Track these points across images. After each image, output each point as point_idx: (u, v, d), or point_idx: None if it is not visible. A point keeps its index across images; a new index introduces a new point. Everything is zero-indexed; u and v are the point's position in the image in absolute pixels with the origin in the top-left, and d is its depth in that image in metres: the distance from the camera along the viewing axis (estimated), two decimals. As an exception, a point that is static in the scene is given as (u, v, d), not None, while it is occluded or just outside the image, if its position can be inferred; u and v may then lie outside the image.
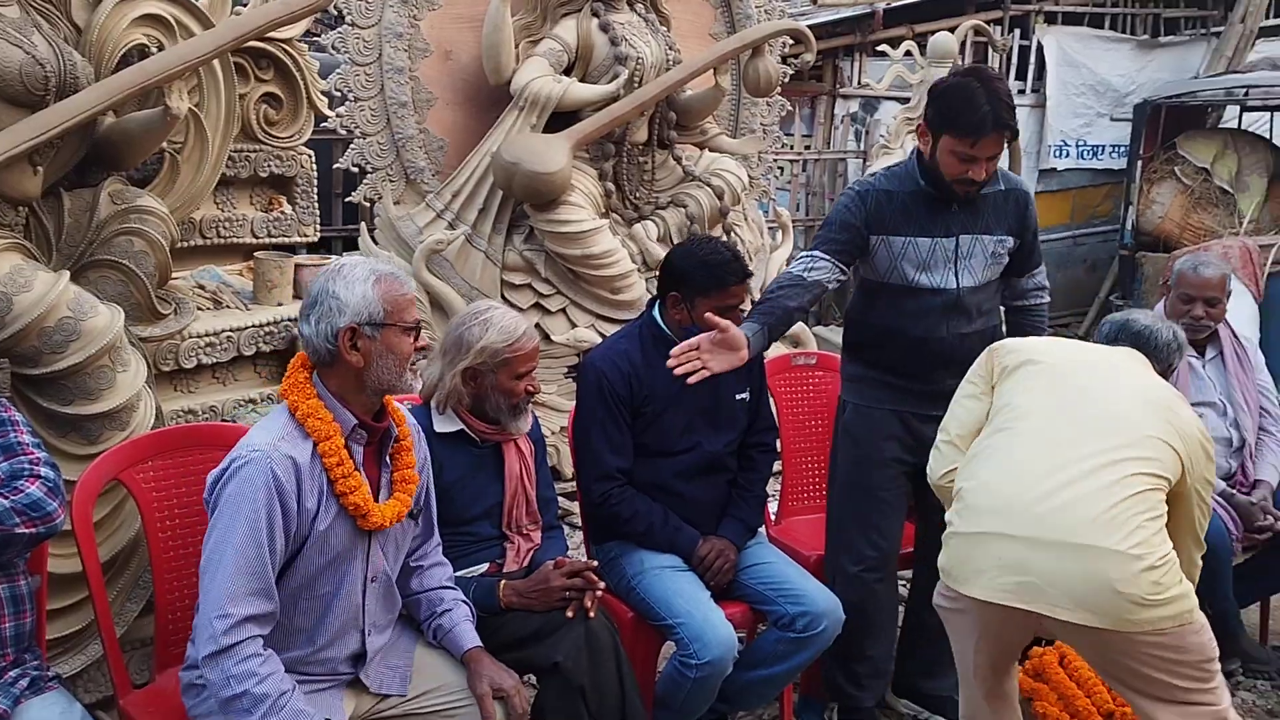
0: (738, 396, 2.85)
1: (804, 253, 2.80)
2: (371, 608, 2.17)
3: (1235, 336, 3.57)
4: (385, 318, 2.06)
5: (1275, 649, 3.56)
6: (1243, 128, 8.49)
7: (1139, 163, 7.96)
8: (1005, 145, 2.72)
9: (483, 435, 2.55)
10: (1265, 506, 3.33)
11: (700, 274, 2.71)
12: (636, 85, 4.60)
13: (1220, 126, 8.62)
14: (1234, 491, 3.36)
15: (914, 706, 3.14)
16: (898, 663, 3.15)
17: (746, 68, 4.92)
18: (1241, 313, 5.55)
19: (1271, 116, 8.66)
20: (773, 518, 3.45)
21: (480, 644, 2.27)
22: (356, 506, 2.06)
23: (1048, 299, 3.07)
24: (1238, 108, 8.48)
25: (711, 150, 5.07)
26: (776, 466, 3.68)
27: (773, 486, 3.96)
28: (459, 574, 2.51)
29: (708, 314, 2.53)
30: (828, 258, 2.74)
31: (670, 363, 2.46)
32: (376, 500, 2.12)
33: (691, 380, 2.45)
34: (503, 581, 2.47)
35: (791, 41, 5.39)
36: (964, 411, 2.52)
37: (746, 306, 2.86)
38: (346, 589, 2.11)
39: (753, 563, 2.80)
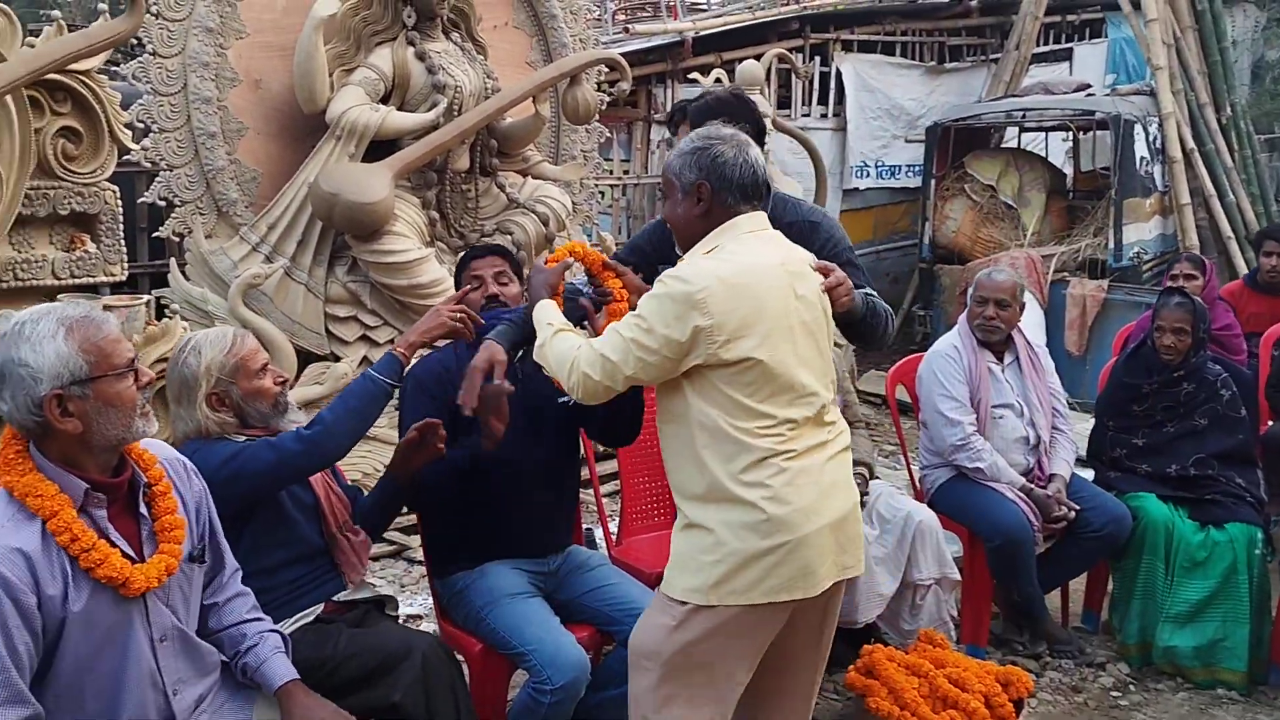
0: (560, 400, 2.80)
1: None
2: (170, 666, 2.00)
3: (1029, 343, 3.87)
4: (92, 370, 1.83)
5: (1075, 630, 3.87)
6: (1022, 147, 9.19)
7: (932, 181, 8.49)
8: None
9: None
10: (1060, 498, 3.62)
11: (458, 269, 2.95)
12: (456, 113, 4.61)
13: (1002, 146, 9.29)
14: (1033, 486, 3.64)
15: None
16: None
17: (565, 96, 5.00)
18: (1031, 319, 6.01)
19: (1046, 136, 9.41)
20: (614, 538, 3.50)
21: (295, 677, 2.15)
22: (111, 578, 1.85)
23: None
24: (1017, 129, 9.17)
25: (534, 177, 5.12)
26: (615, 486, 3.76)
27: (612, 506, 4.03)
28: (295, 622, 2.44)
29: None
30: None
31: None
32: (141, 556, 1.93)
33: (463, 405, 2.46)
34: (392, 349, 2.49)
35: (607, 69, 5.50)
36: (656, 365, 2.19)
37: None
38: (133, 657, 1.93)
39: (597, 585, 2.84)
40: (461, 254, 3.04)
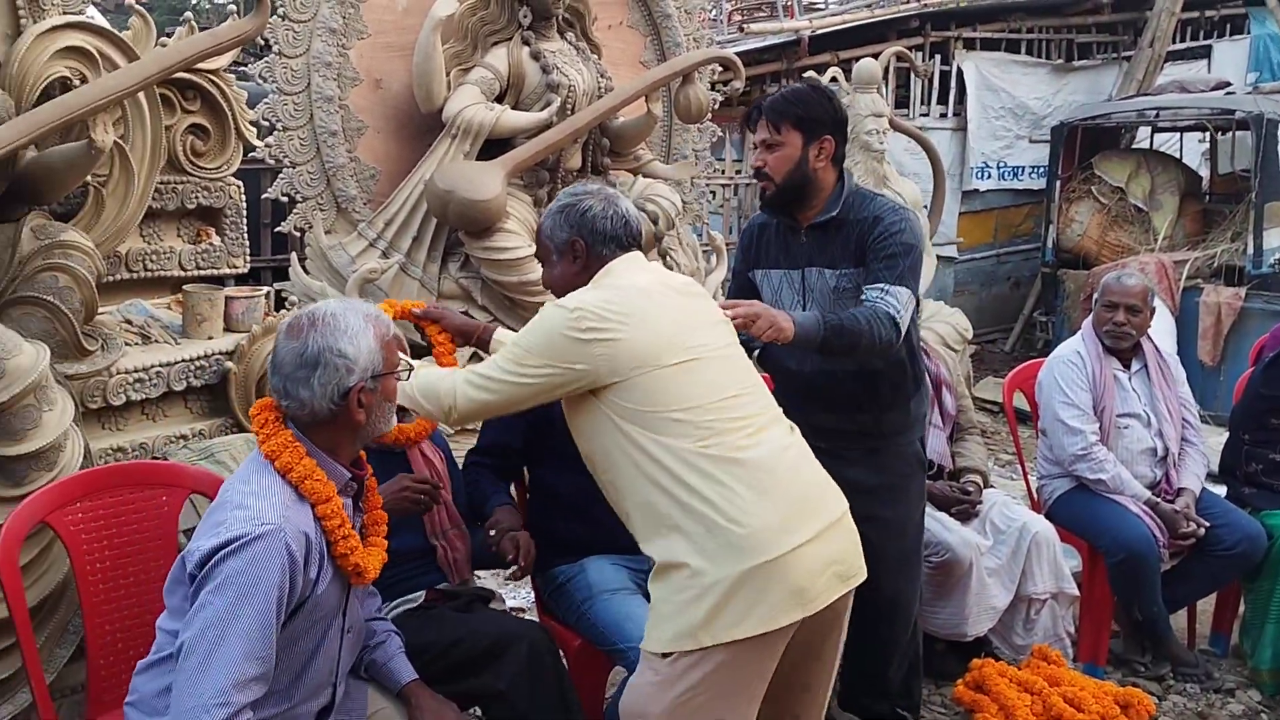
0: None
1: None
2: (346, 657, 2.10)
3: (1158, 351, 3.69)
4: (384, 366, 1.96)
5: (1203, 653, 3.66)
6: (1154, 148, 8.80)
7: (1058, 183, 8.20)
8: (781, 135, 2.67)
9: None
10: (1188, 514, 3.43)
11: None
12: (569, 112, 4.63)
13: (1133, 147, 8.92)
14: (1159, 500, 3.47)
15: (858, 722, 3.16)
16: (842, 678, 3.17)
17: (677, 95, 4.98)
18: (1161, 326, 5.74)
19: (1181, 137, 8.99)
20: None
21: (417, 677, 2.22)
22: (355, 566, 1.96)
23: (878, 306, 2.77)
24: (1149, 129, 8.78)
25: (645, 176, 5.11)
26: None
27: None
28: (396, 607, 2.48)
29: None
30: None
31: None
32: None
33: None
34: None
35: (721, 68, 5.46)
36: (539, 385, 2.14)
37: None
38: (327, 643, 2.02)
39: (697, 586, 2.80)
40: None
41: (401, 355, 2.07)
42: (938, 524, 3.30)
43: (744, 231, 2.98)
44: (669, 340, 2.12)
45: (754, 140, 2.76)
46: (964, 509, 3.43)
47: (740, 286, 2.95)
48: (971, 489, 3.49)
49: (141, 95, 2.95)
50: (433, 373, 2.26)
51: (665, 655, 2.06)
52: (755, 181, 8.73)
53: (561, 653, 2.63)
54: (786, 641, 2.10)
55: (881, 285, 2.65)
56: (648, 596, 2.73)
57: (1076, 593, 3.41)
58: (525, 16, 4.62)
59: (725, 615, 2.01)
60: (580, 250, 2.27)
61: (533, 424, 2.77)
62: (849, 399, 2.78)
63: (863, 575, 2.22)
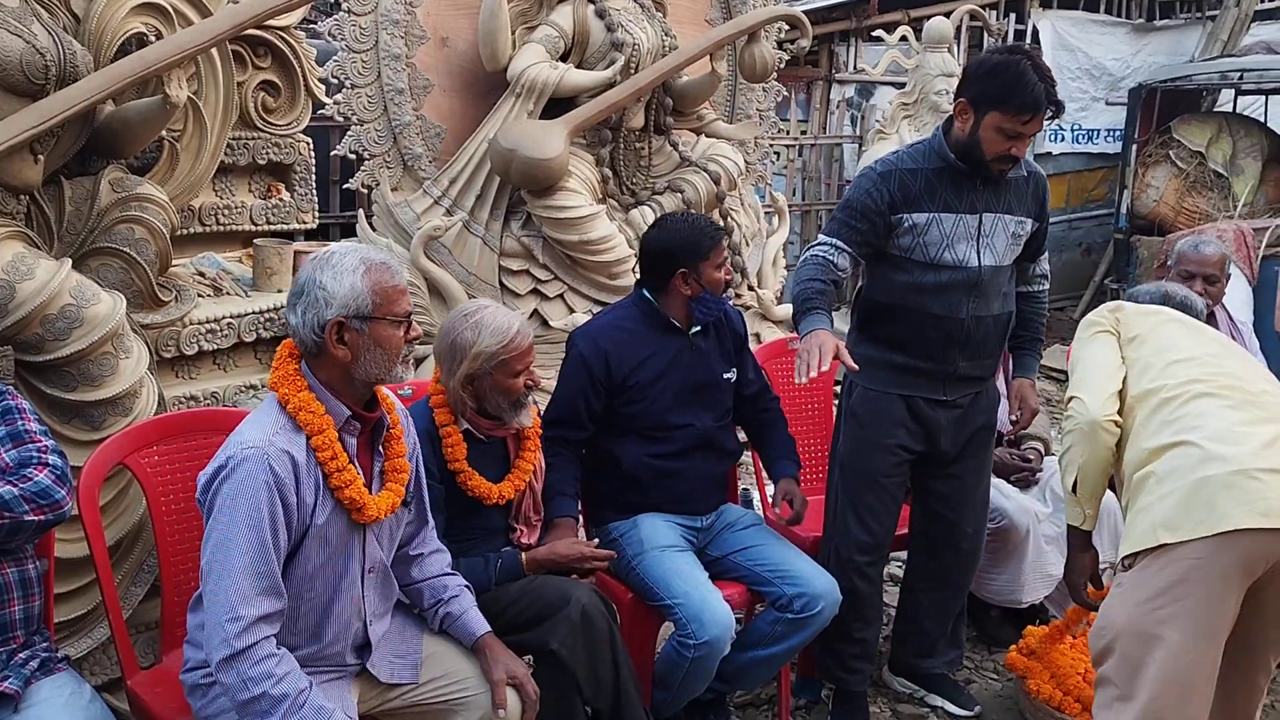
0: (724, 376, 2.90)
1: (825, 240, 2.79)
2: (370, 598, 2.17)
3: (1232, 320, 3.60)
4: (374, 310, 1.99)
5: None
6: (1238, 111, 8.52)
7: (1134, 147, 7.99)
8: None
9: (485, 432, 2.57)
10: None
11: (693, 244, 2.79)
12: (633, 71, 4.61)
13: (1215, 110, 8.63)
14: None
15: (909, 684, 3.18)
16: (893, 642, 3.19)
17: (742, 53, 4.94)
18: (1236, 296, 5.59)
19: (1266, 100, 8.68)
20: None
21: (490, 630, 2.28)
22: (352, 500, 2.02)
23: (1047, 286, 3.12)
24: (1233, 91, 8.49)
25: (708, 136, 5.08)
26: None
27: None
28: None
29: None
30: (849, 249, 2.77)
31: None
32: (370, 490, 2.09)
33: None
34: (523, 555, 2.55)
35: (787, 27, 5.39)
36: (1109, 355, 2.42)
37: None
38: (347, 582, 2.10)
39: (750, 544, 2.83)
40: (702, 235, 2.85)
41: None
42: (996, 491, 3.27)
43: (886, 175, 2.78)
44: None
45: (1025, 130, 2.65)
46: (1024, 476, 3.41)
47: (862, 234, 2.78)
48: (1032, 456, 3.46)
49: (214, 52, 3.00)
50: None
51: (1128, 566, 2.14)
52: (818, 142, 8.59)
53: (616, 607, 2.69)
54: (1251, 572, 2.06)
55: (1045, 254, 3.11)
56: (699, 554, 2.79)
57: (1136, 563, 3.37)
58: (591, -26, 4.60)
59: (1185, 513, 2.06)
60: None
61: (602, 401, 2.81)
62: (984, 342, 2.85)
63: None
